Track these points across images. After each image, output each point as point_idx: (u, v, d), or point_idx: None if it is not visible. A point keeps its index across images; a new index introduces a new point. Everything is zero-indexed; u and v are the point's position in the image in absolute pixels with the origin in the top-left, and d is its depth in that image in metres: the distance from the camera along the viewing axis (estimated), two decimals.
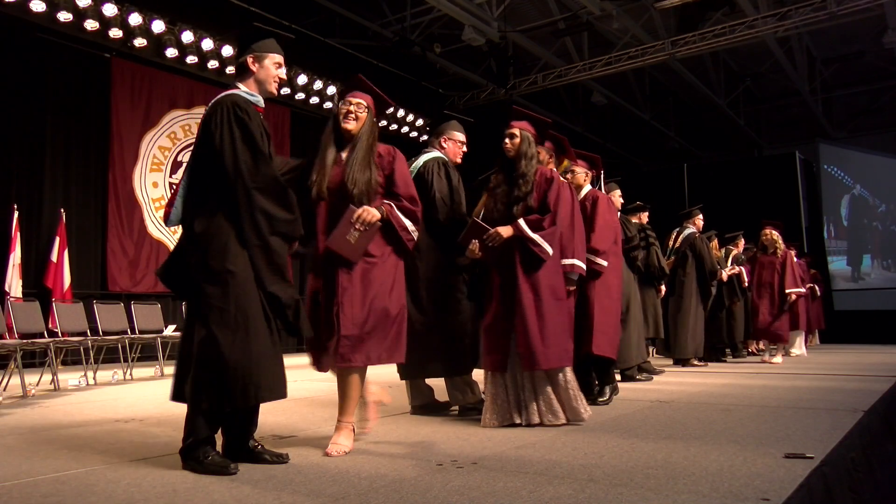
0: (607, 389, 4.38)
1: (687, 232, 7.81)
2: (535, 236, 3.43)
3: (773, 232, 8.26)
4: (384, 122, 12.47)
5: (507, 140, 3.56)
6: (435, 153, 4.12)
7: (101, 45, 8.98)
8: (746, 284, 8.48)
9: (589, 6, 10.44)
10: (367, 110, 3.04)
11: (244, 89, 2.75)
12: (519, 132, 3.57)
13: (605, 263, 4.31)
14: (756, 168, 15.89)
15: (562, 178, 3.78)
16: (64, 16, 8.35)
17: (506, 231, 3.42)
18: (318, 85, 11.06)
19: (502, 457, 2.74)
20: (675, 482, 2.28)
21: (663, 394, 4.94)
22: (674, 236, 7.84)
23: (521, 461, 2.65)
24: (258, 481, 2.37)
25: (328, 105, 11.37)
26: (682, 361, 7.55)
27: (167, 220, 2.76)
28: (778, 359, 7.97)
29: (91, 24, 8.53)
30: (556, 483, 2.29)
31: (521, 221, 3.44)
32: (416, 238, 3.02)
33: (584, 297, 4.21)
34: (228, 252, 2.54)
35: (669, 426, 3.46)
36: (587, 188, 4.62)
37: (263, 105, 2.79)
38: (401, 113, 12.64)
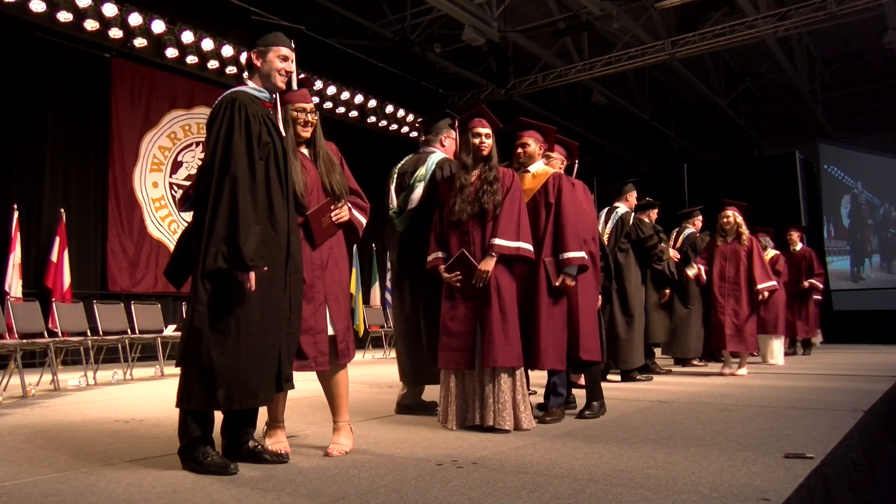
0: (595, 405, 3.92)
1: (687, 232, 7.80)
2: (517, 244, 3.39)
3: (736, 214, 6.70)
4: (384, 122, 12.49)
5: (483, 139, 3.52)
6: (440, 153, 4.11)
7: (101, 45, 8.98)
8: (704, 281, 6.76)
9: (589, 6, 10.43)
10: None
11: (251, 85, 2.76)
12: (492, 132, 3.57)
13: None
14: (756, 168, 15.87)
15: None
16: (64, 16, 8.34)
17: (491, 265, 3.37)
18: (318, 85, 11.06)
19: (502, 457, 2.74)
20: (675, 482, 2.28)
21: (663, 394, 4.94)
22: (674, 236, 7.83)
23: (521, 461, 2.65)
24: (258, 481, 2.38)
25: (328, 105, 11.37)
26: (683, 361, 7.54)
27: (183, 203, 2.82)
28: (743, 370, 6.52)
29: (91, 24, 8.53)
30: (556, 483, 2.29)
31: (498, 241, 3.37)
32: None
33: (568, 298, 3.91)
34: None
35: (669, 426, 3.46)
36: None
37: (270, 100, 2.79)
38: (401, 113, 12.65)
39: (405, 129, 12.86)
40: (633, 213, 6.09)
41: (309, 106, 2.96)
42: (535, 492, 2.18)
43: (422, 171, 4.01)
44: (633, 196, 6.22)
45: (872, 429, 3.63)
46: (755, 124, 16.49)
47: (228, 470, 2.48)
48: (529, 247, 3.46)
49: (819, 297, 9.87)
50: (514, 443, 3.05)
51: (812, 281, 9.26)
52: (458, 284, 3.42)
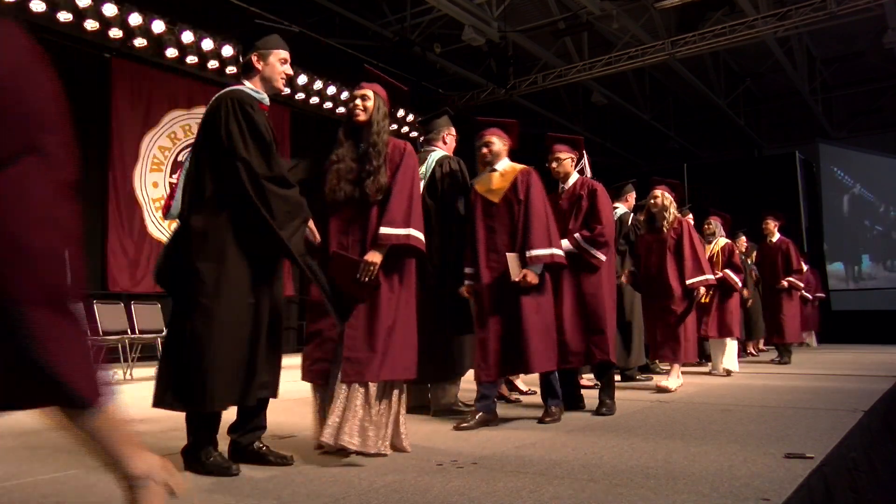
0: (609, 402, 3.97)
1: None
2: (406, 231, 2.86)
3: (665, 194, 5.31)
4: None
5: (357, 102, 2.96)
6: (440, 151, 4.13)
7: (101, 45, 8.96)
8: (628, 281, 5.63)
9: (589, 6, 10.43)
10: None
11: (249, 86, 2.73)
12: (372, 94, 2.98)
13: (603, 258, 3.99)
14: (756, 168, 15.88)
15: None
16: (64, 16, 8.33)
17: (379, 258, 2.78)
18: (318, 85, 11.05)
19: (502, 457, 2.74)
20: (675, 482, 2.28)
21: (663, 394, 4.94)
22: None
23: (521, 461, 2.65)
24: (259, 481, 2.38)
25: (328, 105, 11.37)
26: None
27: (166, 213, 2.75)
28: (673, 380, 5.12)
29: (91, 24, 8.52)
30: (556, 483, 2.29)
31: (384, 230, 2.80)
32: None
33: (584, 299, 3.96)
34: (224, 252, 2.49)
35: (669, 426, 3.46)
36: (574, 176, 4.24)
37: (268, 103, 2.76)
38: (401, 113, 12.65)
39: (405, 129, 12.86)
40: (632, 214, 6.07)
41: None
42: (535, 492, 2.18)
43: (421, 169, 4.02)
44: (632, 197, 6.19)
45: (872, 429, 3.64)
46: (755, 124, 16.50)
47: (230, 471, 2.47)
48: (420, 235, 2.90)
49: (809, 296, 8.92)
50: (514, 443, 3.05)
51: (791, 279, 7.86)
52: (345, 291, 2.76)
